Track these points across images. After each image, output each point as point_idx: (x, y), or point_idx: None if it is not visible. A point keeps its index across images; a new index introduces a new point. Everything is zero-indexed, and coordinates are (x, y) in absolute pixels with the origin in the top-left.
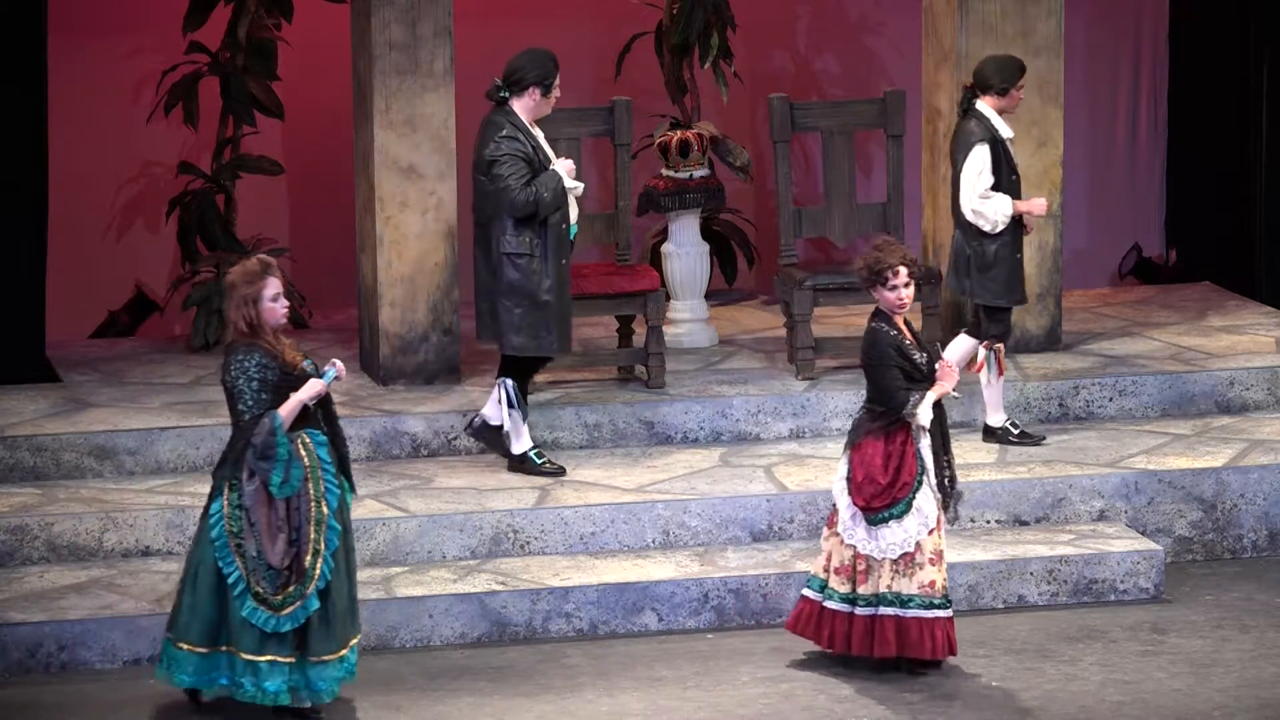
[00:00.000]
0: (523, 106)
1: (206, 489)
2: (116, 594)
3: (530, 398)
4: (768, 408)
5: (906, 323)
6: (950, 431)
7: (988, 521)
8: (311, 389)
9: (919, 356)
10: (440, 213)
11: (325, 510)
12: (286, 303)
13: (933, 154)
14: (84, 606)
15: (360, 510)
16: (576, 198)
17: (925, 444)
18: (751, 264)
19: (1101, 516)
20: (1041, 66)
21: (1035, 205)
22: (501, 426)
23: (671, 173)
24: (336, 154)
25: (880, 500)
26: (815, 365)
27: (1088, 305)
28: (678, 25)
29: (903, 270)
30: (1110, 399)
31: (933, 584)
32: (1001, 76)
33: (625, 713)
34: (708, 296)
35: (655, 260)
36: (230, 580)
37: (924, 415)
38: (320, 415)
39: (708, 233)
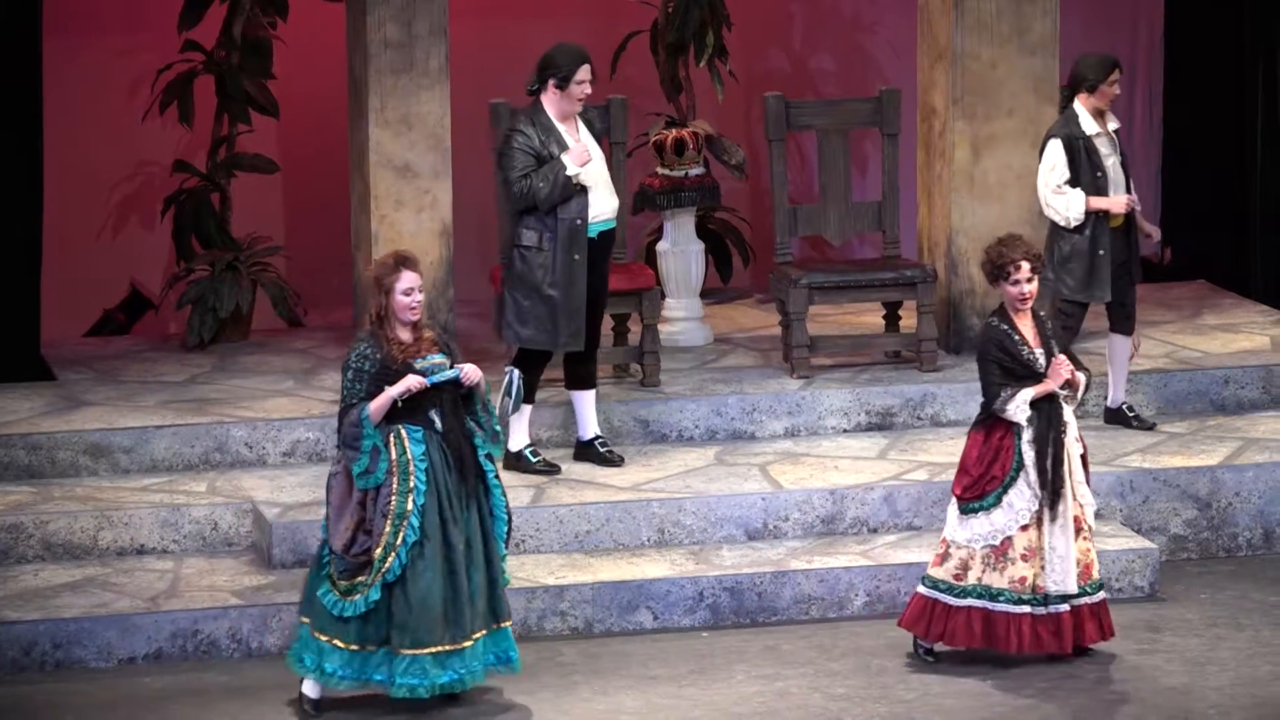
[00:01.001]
0: (548, 101)
1: (201, 487)
2: (111, 592)
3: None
4: (763, 406)
5: (1038, 318)
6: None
7: None
8: (401, 385)
9: (1029, 354)
10: (435, 211)
11: (409, 506)
12: (419, 298)
13: (928, 152)
14: (79, 605)
15: None
16: (586, 185)
17: (1027, 440)
18: (747, 262)
19: (1097, 515)
20: (1037, 66)
21: (1114, 203)
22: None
23: (667, 171)
24: (331, 152)
25: (970, 492)
26: (810, 364)
27: None
28: (673, 23)
29: (1025, 265)
30: (1105, 397)
31: (1023, 580)
32: (1094, 73)
33: (620, 711)
34: (703, 295)
35: (650, 259)
36: (323, 559)
37: (1014, 412)
38: (443, 412)
39: (703, 231)
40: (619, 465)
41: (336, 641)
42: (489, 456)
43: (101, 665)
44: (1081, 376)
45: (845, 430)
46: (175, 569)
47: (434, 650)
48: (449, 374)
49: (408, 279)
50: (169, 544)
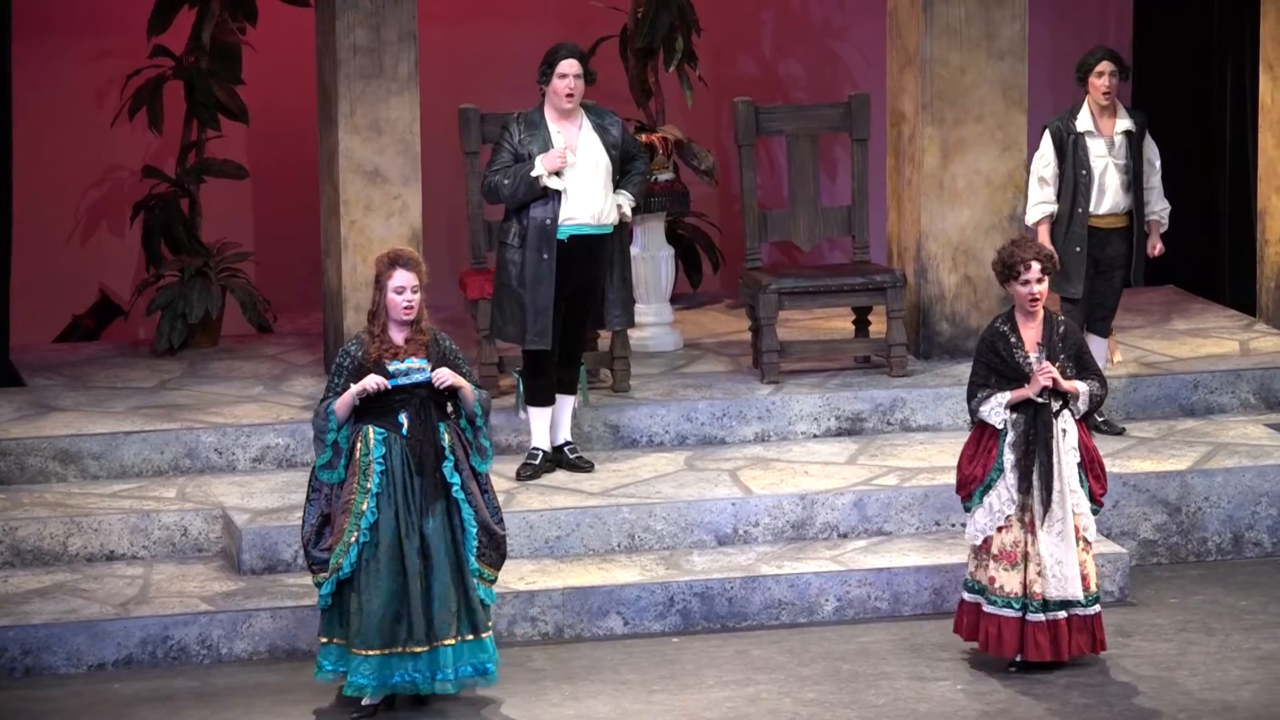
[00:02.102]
0: (546, 98)
1: (171, 493)
2: (81, 598)
3: (494, 401)
4: (733, 411)
5: (1051, 321)
6: (1058, 442)
7: (952, 525)
8: (360, 384)
9: (1023, 358)
10: (405, 216)
11: (364, 506)
12: (412, 297)
13: (897, 157)
14: (48, 611)
15: None
16: (557, 187)
17: (1009, 443)
18: (716, 268)
19: None
20: (1005, 70)
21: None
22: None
23: None
24: (301, 158)
25: (961, 490)
26: (780, 369)
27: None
28: (642, 29)
29: (1035, 265)
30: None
31: (992, 580)
32: (1080, 65)
33: (591, 716)
34: (673, 300)
35: None
36: None
37: (988, 414)
38: (411, 417)
39: (673, 236)
40: (589, 471)
41: (322, 639)
42: (457, 468)
43: (71, 671)
44: (1081, 386)
45: (815, 435)
46: (145, 575)
47: (383, 652)
48: (417, 377)
49: (400, 277)
50: (139, 550)
